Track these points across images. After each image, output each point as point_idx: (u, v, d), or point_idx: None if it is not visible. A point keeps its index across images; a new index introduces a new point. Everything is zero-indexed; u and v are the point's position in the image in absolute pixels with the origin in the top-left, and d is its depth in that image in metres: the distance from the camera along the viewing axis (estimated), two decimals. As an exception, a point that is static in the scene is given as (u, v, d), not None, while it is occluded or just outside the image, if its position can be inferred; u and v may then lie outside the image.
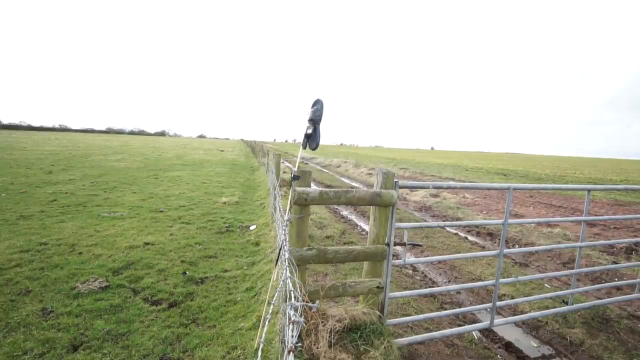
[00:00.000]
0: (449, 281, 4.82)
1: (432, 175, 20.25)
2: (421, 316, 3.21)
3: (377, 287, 2.92)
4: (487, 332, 3.51)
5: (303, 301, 1.40)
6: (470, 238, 7.13)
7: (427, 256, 5.68)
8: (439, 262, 5.25)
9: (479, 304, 3.55)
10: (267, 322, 1.28)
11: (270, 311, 1.44)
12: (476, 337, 3.40)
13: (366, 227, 7.43)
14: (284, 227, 2.46)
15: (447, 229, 7.61)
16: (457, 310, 3.40)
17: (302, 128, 2.82)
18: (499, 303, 3.45)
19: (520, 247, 6.75)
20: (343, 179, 18.07)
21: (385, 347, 2.61)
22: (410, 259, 3.05)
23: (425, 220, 8.86)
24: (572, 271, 3.91)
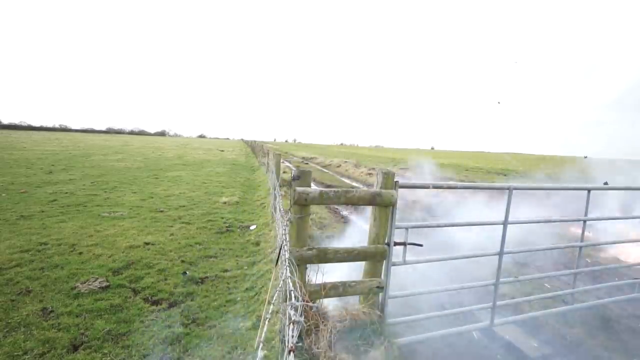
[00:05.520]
0: (449, 281, 4.82)
1: (432, 175, 20.24)
2: (421, 316, 3.21)
3: (377, 287, 2.92)
4: (487, 332, 3.51)
5: (303, 301, 1.40)
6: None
7: (427, 256, 5.67)
8: (439, 261, 5.25)
9: (479, 304, 3.55)
10: (267, 322, 1.28)
11: (270, 311, 1.44)
12: (476, 337, 3.40)
13: (366, 227, 7.43)
14: (284, 227, 2.46)
15: (447, 228, 7.61)
16: (457, 309, 3.41)
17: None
18: (499, 302, 3.45)
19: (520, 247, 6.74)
20: (343, 178, 18.07)
21: (385, 347, 2.62)
22: (410, 258, 3.05)
23: (425, 220, 8.86)
24: (572, 271, 3.92)
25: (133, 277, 4.25)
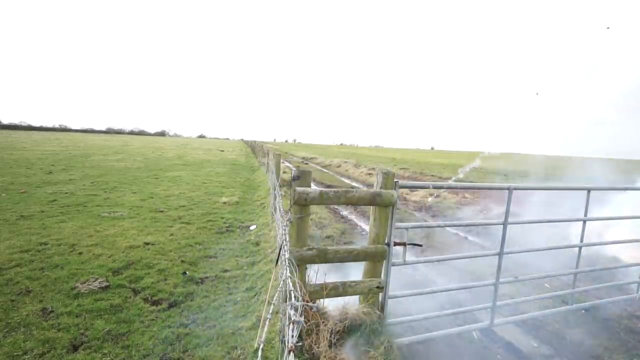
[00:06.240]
0: (449, 281, 4.82)
1: (432, 175, 20.25)
2: (421, 316, 3.21)
3: (377, 287, 2.92)
4: (487, 332, 3.51)
5: (303, 301, 1.40)
6: (470, 238, 7.13)
7: (427, 256, 5.68)
8: (439, 262, 5.26)
9: (479, 304, 3.55)
10: (267, 322, 1.28)
11: (270, 311, 1.44)
12: (476, 337, 3.40)
13: (366, 227, 7.43)
14: (284, 227, 2.46)
15: (447, 228, 7.62)
16: (457, 310, 3.40)
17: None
18: (499, 303, 3.45)
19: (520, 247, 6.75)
20: (343, 179, 18.07)
21: (385, 347, 2.62)
22: (410, 258, 3.05)
23: (425, 220, 8.86)
24: (572, 271, 3.92)
25: (133, 277, 4.25)
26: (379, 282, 2.93)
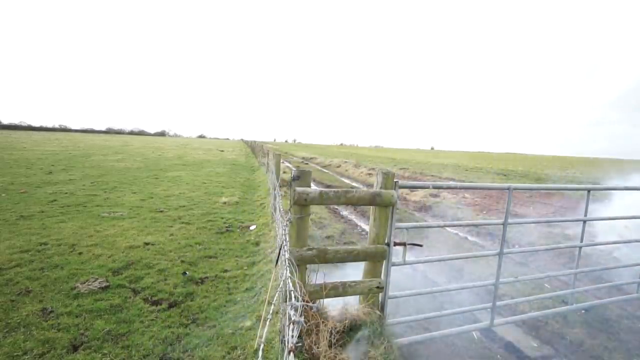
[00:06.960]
0: (449, 281, 4.82)
1: (432, 175, 20.24)
2: (421, 316, 3.21)
3: (377, 287, 2.92)
4: (487, 332, 3.51)
5: (303, 301, 1.40)
6: (470, 238, 7.13)
7: (427, 256, 5.68)
8: (439, 262, 5.25)
9: (479, 304, 3.55)
10: (267, 322, 1.28)
11: (270, 311, 1.44)
12: (476, 337, 3.40)
13: (366, 227, 7.43)
14: (284, 227, 2.46)
15: (447, 229, 7.61)
16: (457, 310, 3.40)
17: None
18: (499, 303, 3.45)
19: (520, 247, 6.75)
20: (343, 179, 18.07)
21: (385, 347, 2.62)
22: (410, 259, 3.05)
23: (425, 220, 8.85)
24: (572, 271, 3.92)
25: (133, 277, 4.25)
26: (379, 282, 2.93)
